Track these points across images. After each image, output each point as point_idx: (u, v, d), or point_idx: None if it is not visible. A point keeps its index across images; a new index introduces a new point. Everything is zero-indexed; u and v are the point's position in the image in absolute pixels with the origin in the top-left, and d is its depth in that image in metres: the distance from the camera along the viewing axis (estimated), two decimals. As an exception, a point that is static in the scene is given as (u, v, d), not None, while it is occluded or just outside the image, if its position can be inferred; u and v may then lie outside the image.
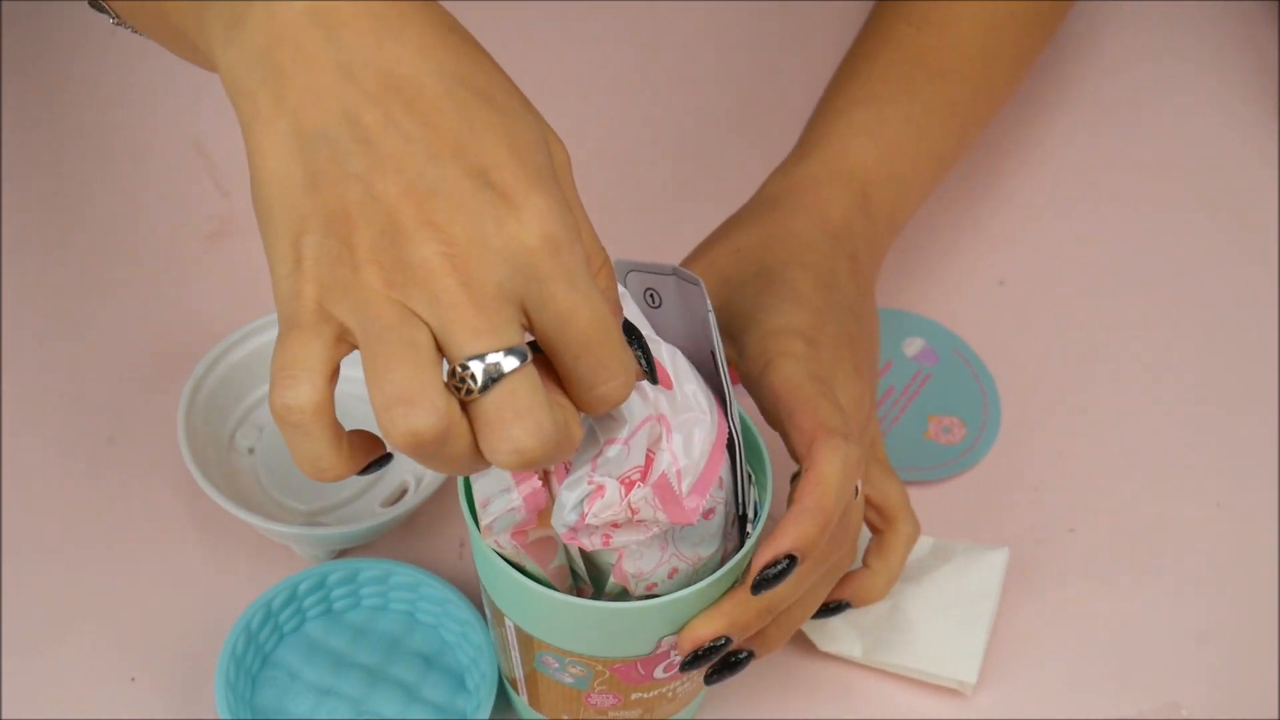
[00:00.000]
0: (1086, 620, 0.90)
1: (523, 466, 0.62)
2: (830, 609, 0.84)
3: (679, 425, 0.70)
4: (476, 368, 0.61)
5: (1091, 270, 1.02)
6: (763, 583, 0.74)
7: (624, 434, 0.69)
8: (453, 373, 0.61)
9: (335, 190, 0.61)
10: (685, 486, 0.70)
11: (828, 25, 1.09)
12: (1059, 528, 0.93)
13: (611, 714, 0.79)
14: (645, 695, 0.78)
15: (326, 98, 0.62)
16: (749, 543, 0.75)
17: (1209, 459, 0.95)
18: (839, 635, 0.87)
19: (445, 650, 0.87)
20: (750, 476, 0.77)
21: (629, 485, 0.69)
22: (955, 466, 0.94)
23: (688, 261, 0.86)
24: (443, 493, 0.91)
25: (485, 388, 0.61)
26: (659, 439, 0.70)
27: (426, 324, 0.61)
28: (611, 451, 0.69)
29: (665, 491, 0.69)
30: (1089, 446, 0.96)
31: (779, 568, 0.74)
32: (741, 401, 0.86)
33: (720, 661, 0.77)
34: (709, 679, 0.78)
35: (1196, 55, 1.10)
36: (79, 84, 1.07)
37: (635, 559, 0.72)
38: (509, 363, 0.61)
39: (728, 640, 0.74)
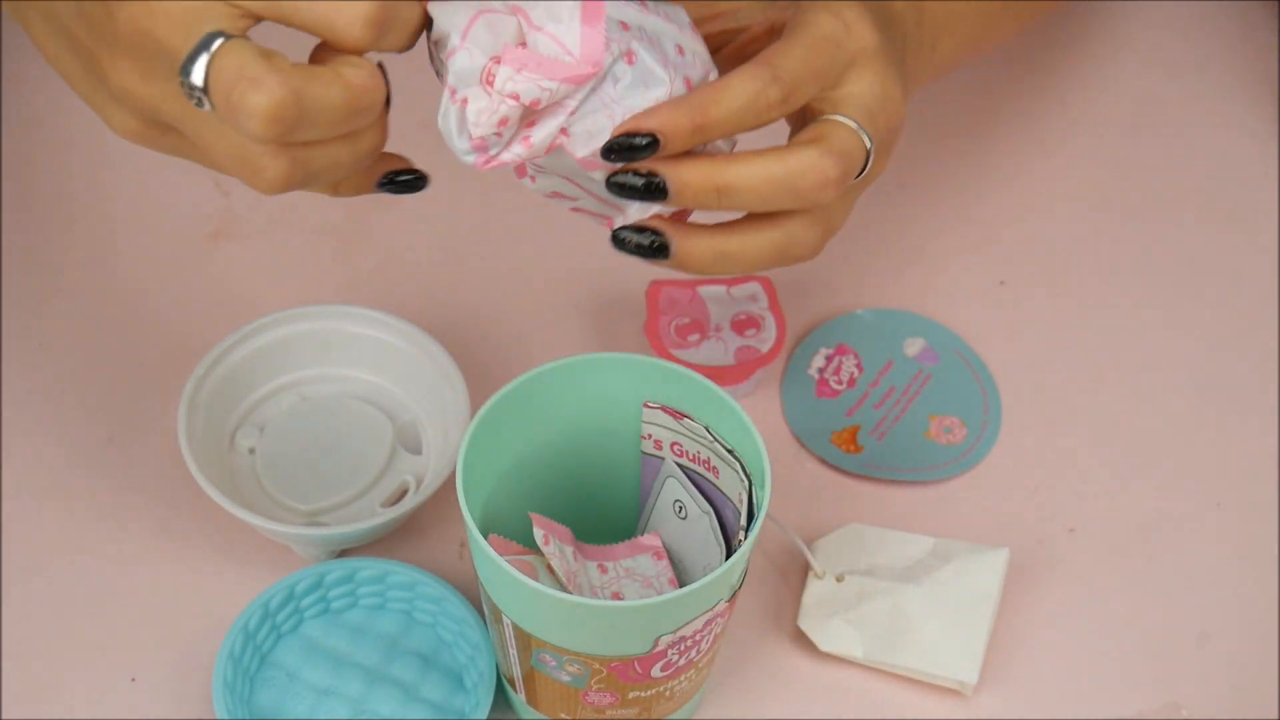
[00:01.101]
0: (1086, 620, 0.90)
1: (276, 128, 0.66)
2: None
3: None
4: (191, 69, 0.67)
5: (1091, 270, 1.02)
6: (613, 150, 0.71)
7: (455, 41, 0.68)
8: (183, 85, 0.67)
9: None
10: (571, 42, 0.69)
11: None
12: (1059, 528, 0.93)
13: (609, 713, 0.79)
14: (643, 694, 0.78)
15: None
16: (747, 542, 0.75)
17: (1209, 459, 0.95)
18: (839, 635, 0.87)
19: (443, 649, 0.87)
20: (749, 478, 0.77)
21: (489, 78, 0.68)
22: (956, 467, 0.94)
23: None
24: (443, 493, 0.91)
25: (206, 83, 0.67)
26: (516, 28, 0.69)
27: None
28: (456, 63, 0.68)
29: (531, 58, 0.68)
30: (1089, 446, 0.96)
31: (636, 140, 0.71)
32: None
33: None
34: (619, 241, 0.74)
35: (1196, 55, 1.10)
36: (79, 84, 1.07)
37: (583, 138, 0.70)
38: (209, 47, 0.67)
39: (653, 142, 0.71)
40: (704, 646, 0.78)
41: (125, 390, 0.95)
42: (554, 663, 0.77)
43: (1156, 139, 1.07)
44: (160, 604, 0.89)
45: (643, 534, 0.84)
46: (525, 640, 0.77)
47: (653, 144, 0.72)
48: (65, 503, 0.91)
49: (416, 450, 0.92)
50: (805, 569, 0.90)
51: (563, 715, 0.80)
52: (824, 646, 0.87)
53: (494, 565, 0.74)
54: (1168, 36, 1.11)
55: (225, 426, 0.91)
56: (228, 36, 0.67)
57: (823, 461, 0.94)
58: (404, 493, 0.91)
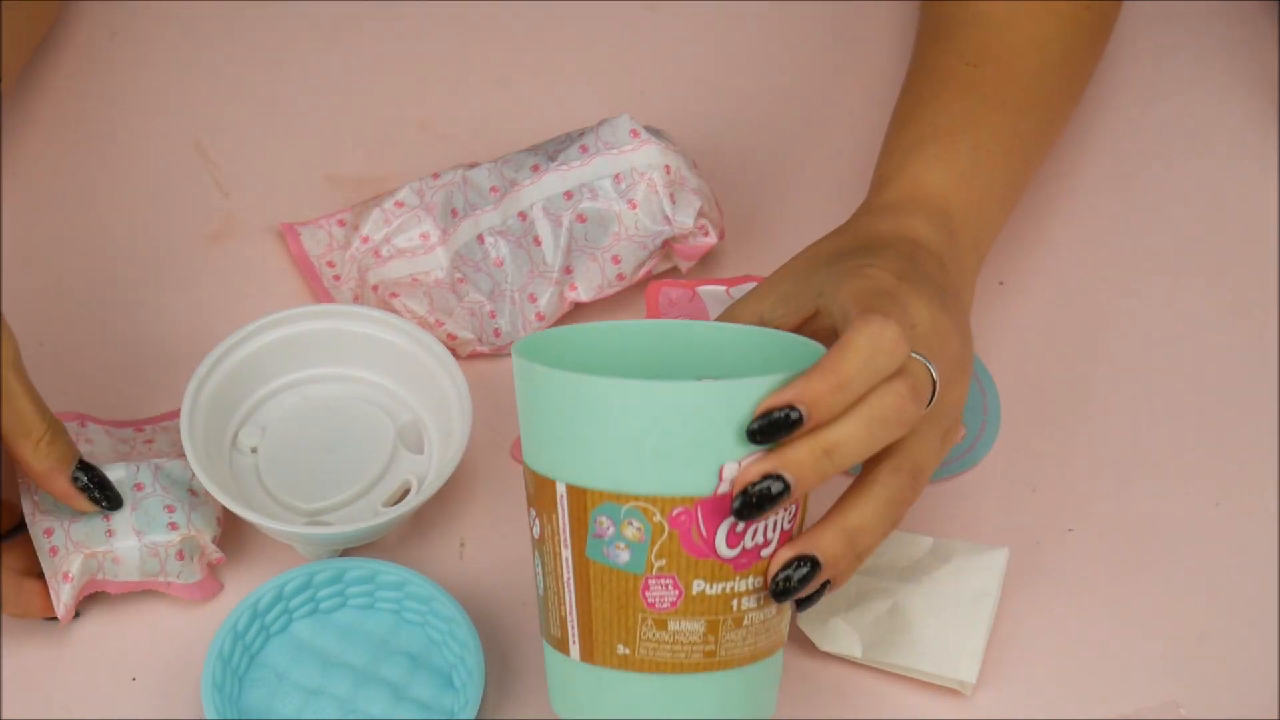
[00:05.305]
0: (1086, 620, 0.90)
1: None
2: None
3: None
4: None
5: (1091, 270, 1.02)
6: (762, 432, 0.73)
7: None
8: None
9: None
10: None
11: (841, 24, 1.09)
12: (1059, 528, 0.93)
13: (672, 624, 0.75)
14: (709, 590, 0.75)
15: None
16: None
17: (1208, 458, 0.95)
18: (839, 635, 0.87)
19: (432, 649, 0.87)
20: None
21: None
22: (955, 466, 0.94)
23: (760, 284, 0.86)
24: (444, 493, 0.91)
25: None
26: None
27: None
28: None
29: None
30: (1089, 446, 0.96)
31: (781, 415, 0.73)
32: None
33: (796, 572, 0.75)
34: (778, 592, 0.75)
35: (1196, 55, 1.10)
36: (80, 84, 1.07)
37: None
38: None
39: (784, 486, 0.73)
40: (774, 534, 0.76)
41: (126, 390, 0.95)
42: (611, 531, 0.74)
43: (1156, 139, 1.07)
44: (161, 603, 0.89)
45: None
46: (581, 510, 0.74)
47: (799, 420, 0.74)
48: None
49: (418, 450, 0.92)
50: (805, 569, 0.90)
51: (621, 647, 0.76)
52: (823, 646, 0.87)
53: (548, 386, 0.73)
54: (1168, 36, 1.11)
55: (227, 426, 0.91)
56: None
57: (822, 461, 0.94)
58: (406, 492, 0.91)
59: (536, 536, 0.77)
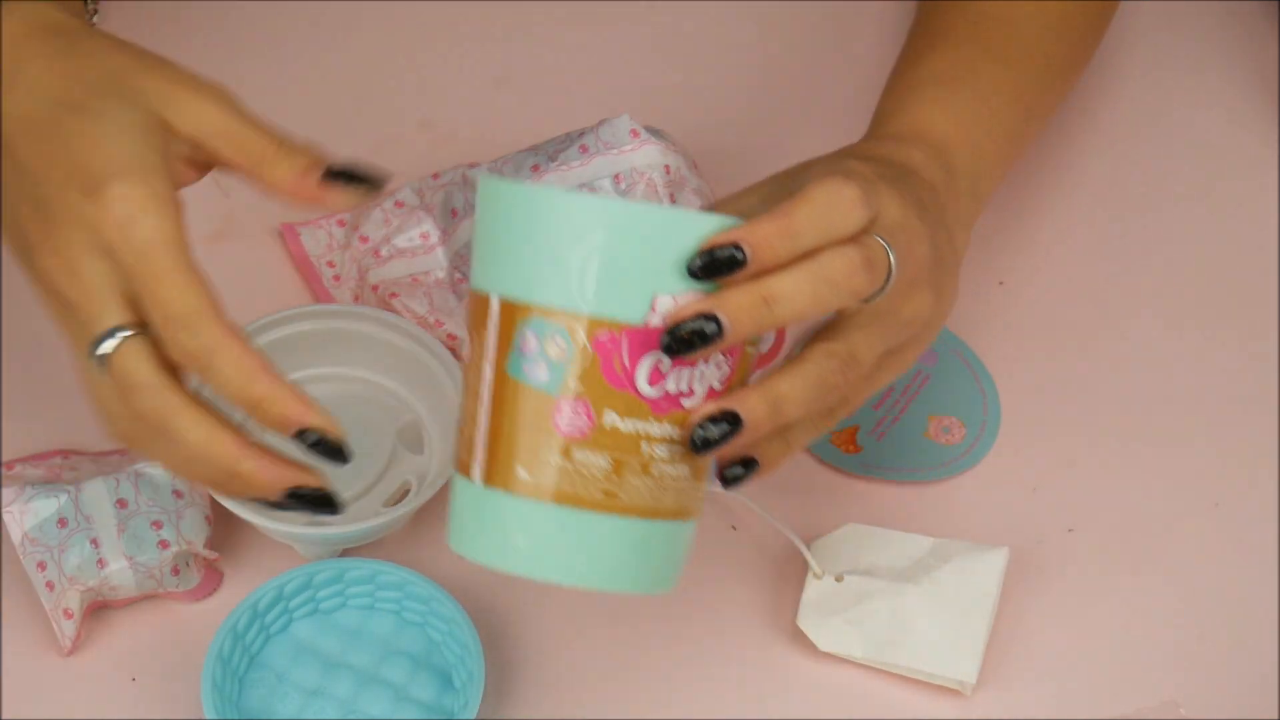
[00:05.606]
0: (1086, 620, 0.90)
1: (127, 445, 0.75)
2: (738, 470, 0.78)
3: None
4: (96, 349, 0.74)
5: (1091, 270, 1.02)
6: (704, 269, 0.72)
7: None
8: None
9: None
10: None
11: (870, 26, 1.10)
12: (1059, 528, 0.93)
13: (577, 453, 0.73)
14: (621, 426, 0.73)
15: None
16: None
17: (1208, 459, 0.95)
18: (839, 635, 0.87)
19: (432, 649, 0.87)
20: None
21: None
22: (955, 466, 0.94)
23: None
24: (445, 493, 0.91)
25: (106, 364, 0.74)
26: None
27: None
28: None
29: None
30: (1089, 446, 0.96)
31: (725, 254, 0.71)
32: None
33: (715, 430, 0.73)
34: (696, 444, 0.73)
35: (1196, 55, 1.10)
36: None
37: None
38: (107, 345, 0.73)
39: (717, 328, 0.72)
40: (699, 386, 0.74)
41: (126, 390, 0.95)
42: (535, 345, 0.72)
43: (1156, 139, 1.07)
44: (160, 603, 0.89)
45: None
46: (510, 324, 0.73)
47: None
48: (66, 502, 0.92)
49: (418, 450, 0.92)
50: (804, 569, 0.90)
51: (522, 470, 0.73)
52: (823, 646, 0.87)
53: (500, 199, 0.72)
54: (1168, 36, 1.11)
55: (226, 426, 0.91)
56: (129, 334, 0.73)
57: (822, 461, 0.94)
58: (406, 492, 0.91)
59: (465, 359, 0.76)
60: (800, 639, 0.88)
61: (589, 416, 0.73)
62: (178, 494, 0.88)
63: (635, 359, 0.72)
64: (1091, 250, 1.03)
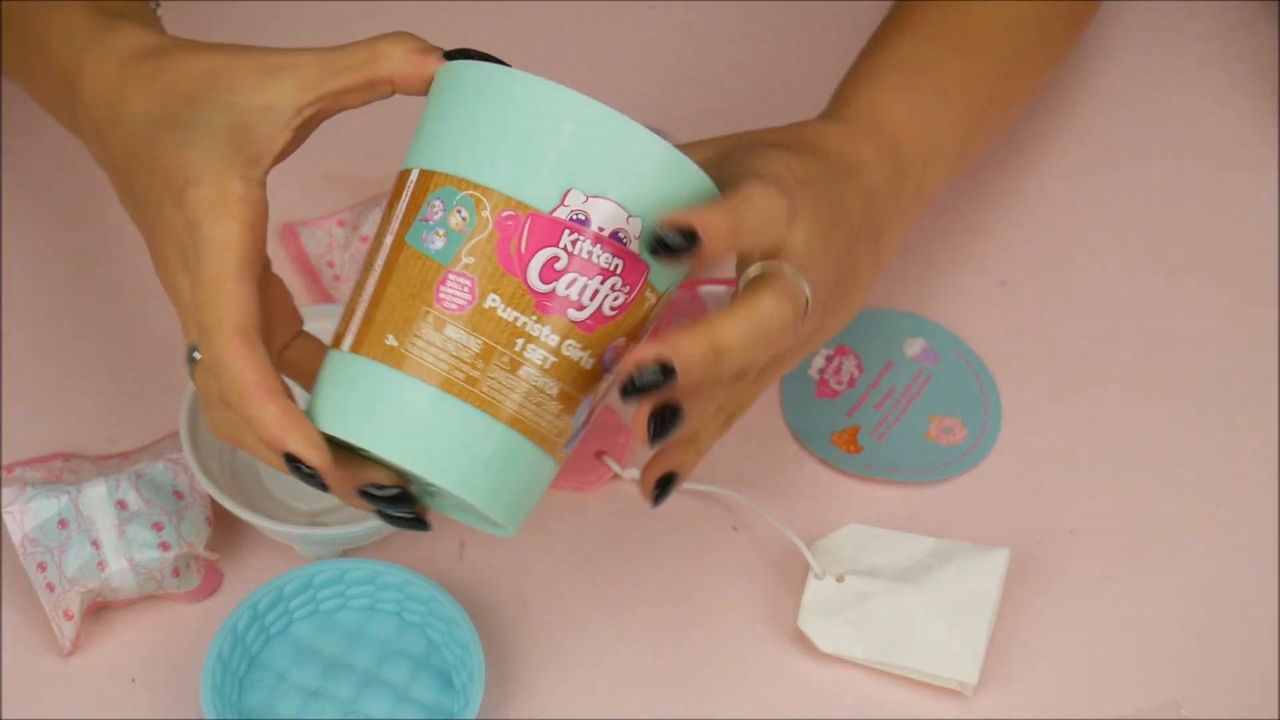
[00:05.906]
0: (1086, 620, 0.90)
1: (221, 438, 0.77)
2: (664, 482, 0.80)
3: None
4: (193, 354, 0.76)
5: (1091, 270, 1.02)
6: (660, 243, 0.71)
7: None
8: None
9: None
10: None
11: (841, 25, 1.09)
12: (1059, 528, 0.93)
13: (450, 329, 0.72)
14: (501, 312, 0.72)
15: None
16: None
17: (1209, 459, 0.95)
18: (840, 636, 0.87)
19: (432, 650, 0.87)
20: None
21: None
22: (956, 467, 0.94)
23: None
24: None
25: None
26: None
27: None
28: None
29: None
30: (1089, 446, 0.96)
31: (680, 237, 0.71)
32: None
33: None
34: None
35: (1197, 55, 1.10)
36: (79, 84, 1.07)
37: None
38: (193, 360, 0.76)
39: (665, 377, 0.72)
40: (590, 304, 0.73)
41: (126, 390, 0.95)
42: (439, 214, 0.72)
43: (1156, 139, 1.07)
44: (160, 604, 0.89)
45: None
46: (422, 193, 0.72)
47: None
48: (66, 503, 0.91)
49: (417, 450, 0.92)
50: (805, 569, 0.90)
51: (390, 338, 0.72)
52: (824, 647, 0.87)
53: (444, 77, 0.73)
54: (1168, 36, 1.11)
55: (226, 426, 0.91)
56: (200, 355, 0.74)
57: (823, 462, 0.94)
58: (405, 493, 0.91)
59: (373, 235, 0.76)
60: (801, 640, 0.88)
61: (471, 294, 0.72)
62: (178, 495, 0.88)
63: (534, 248, 0.72)
64: (1092, 250, 1.02)
